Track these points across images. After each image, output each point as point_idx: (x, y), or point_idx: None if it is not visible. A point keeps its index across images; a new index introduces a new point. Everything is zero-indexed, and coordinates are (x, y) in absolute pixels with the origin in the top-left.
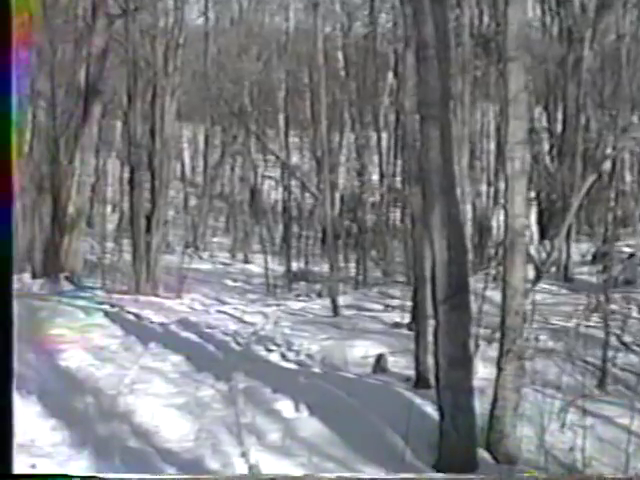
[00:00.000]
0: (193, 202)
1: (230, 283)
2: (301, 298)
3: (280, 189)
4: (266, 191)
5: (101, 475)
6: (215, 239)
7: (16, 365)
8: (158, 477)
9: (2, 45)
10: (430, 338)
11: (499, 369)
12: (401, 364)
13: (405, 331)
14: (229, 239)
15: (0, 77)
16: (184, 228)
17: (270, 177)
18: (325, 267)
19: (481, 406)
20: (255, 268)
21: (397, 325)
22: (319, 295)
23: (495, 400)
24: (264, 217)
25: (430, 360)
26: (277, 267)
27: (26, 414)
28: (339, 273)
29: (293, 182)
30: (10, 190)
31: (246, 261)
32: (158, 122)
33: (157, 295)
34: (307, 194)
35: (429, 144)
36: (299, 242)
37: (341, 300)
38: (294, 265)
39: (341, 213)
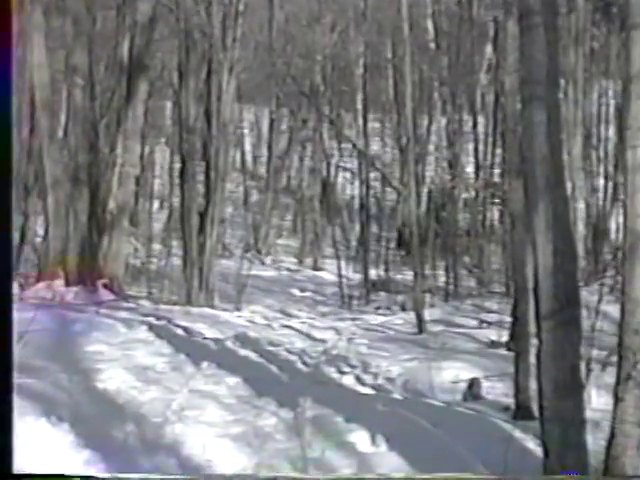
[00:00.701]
0: (255, 197)
1: (297, 293)
2: (381, 311)
3: (357, 183)
4: (340, 185)
5: (101, 475)
6: (280, 241)
7: (15, 372)
8: (158, 477)
9: (2, 45)
10: (533, 360)
11: (617, 399)
12: (498, 390)
13: (503, 351)
14: (296, 241)
15: (0, 77)
16: (244, 228)
17: (345, 169)
18: (409, 275)
19: (594, 443)
20: (327, 276)
21: (494, 344)
22: (402, 308)
23: (612, 436)
24: (338, 216)
25: (533, 386)
26: (353, 275)
27: (57, 445)
28: (425, 282)
29: (372, 175)
30: (8, 190)
31: (316, 267)
32: (214, 103)
33: (212, 306)
34: (389, 189)
35: (533, 130)
36: (379, 245)
37: (427, 314)
38: (373, 272)
39: (428, 211)
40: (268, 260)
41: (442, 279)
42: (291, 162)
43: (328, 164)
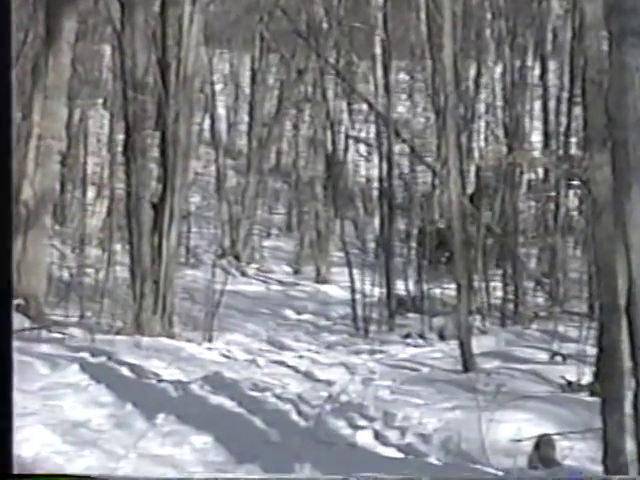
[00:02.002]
0: (232, 182)
1: (292, 316)
2: (411, 341)
3: (375, 159)
4: (352, 163)
5: (100, 475)
6: (268, 243)
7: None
8: (158, 478)
9: (2, 45)
10: (628, 410)
11: None
12: (579, 452)
13: (585, 397)
14: (291, 243)
15: None
16: (216, 225)
17: (359, 139)
18: (450, 289)
19: None
20: (334, 290)
21: (572, 387)
22: (441, 336)
23: None
24: (349, 206)
25: (630, 446)
26: (371, 289)
27: None
28: (474, 299)
29: (397, 147)
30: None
31: (319, 279)
32: (172, 48)
33: (171, 335)
34: (420, 167)
35: (626, 79)
36: (407, 247)
37: (477, 344)
38: (399, 286)
39: (477, 198)
40: (251, 270)
41: (498, 294)
42: (282, 131)
43: (334, 133)
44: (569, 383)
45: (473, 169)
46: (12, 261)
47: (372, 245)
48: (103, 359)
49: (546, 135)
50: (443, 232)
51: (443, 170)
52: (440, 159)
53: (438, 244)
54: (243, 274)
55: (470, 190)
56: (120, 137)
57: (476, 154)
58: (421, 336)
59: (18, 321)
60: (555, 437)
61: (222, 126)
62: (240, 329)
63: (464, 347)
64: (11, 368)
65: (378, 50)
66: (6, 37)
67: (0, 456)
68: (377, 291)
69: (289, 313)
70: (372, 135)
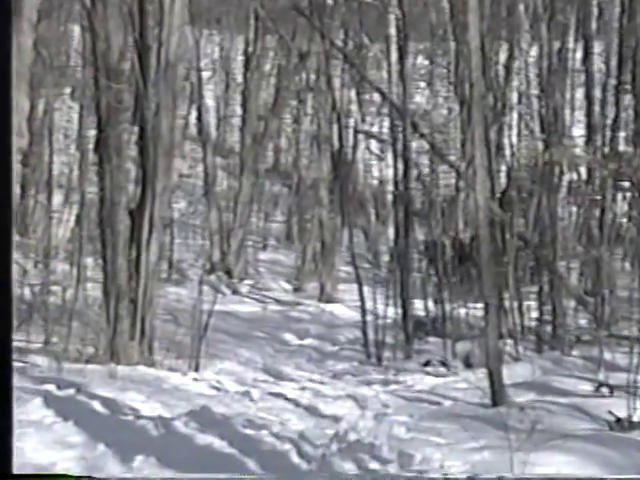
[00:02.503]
0: (223, 184)
1: (293, 340)
2: (431, 369)
3: (390, 158)
4: (363, 162)
5: (100, 475)
6: (264, 255)
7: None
8: (158, 478)
9: (2, 45)
10: None
11: None
12: None
13: (638, 436)
14: (291, 255)
15: None
16: (205, 235)
17: (370, 135)
18: (477, 309)
19: None
20: (342, 310)
21: (621, 424)
22: (466, 363)
23: None
24: (359, 213)
25: None
26: (385, 309)
27: None
28: (505, 321)
29: (415, 144)
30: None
31: (324, 297)
32: (152, 28)
33: (151, 364)
34: (442, 167)
35: None
36: (426, 260)
37: (508, 373)
38: (417, 305)
39: (509, 202)
40: (245, 287)
41: (533, 315)
42: (281, 125)
43: (341, 128)
44: (618, 420)
45: (504, 169)
46: (12, 260)
47: (385, 258)
48: (71, 392)
49: (590, 129)
50: (468, 244)
51: (468, 170)
52: (465, 157)
53: (462, 256)
54: (235, 292)
55: (500, 193)
56: (91, 133)
57: (507, 151)
58: (443, 364)
59: None
60: None
61: (211, 119)
62: (232, 356)
63: (493, 377)
64: (11, 369)
65: (392, 30)
66: (6, 37)
67: (0, 456)
68: (391, 312)
69: (289, 337)
70: (385, 130)
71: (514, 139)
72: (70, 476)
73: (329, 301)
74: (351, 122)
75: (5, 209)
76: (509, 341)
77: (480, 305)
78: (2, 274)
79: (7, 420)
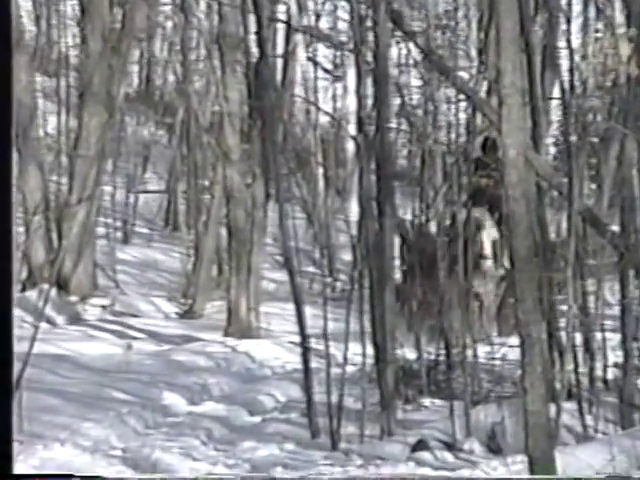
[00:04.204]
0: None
1: (180, 406)
2: (427, 456)
3: (351, 76)
4: (303, 84)
5: (102, 475)
6: (127, 252)
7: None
8: (158, 477)
9: (2, 45)
10: None
11: None
12: None
13: None
14: (174, 252)
15: None
16: (20, 219)
17: (317, 35)
18: (510, 346)
19: None
20: (267, 350)
21: None
22: (492, 446)
23: None
24: (297, 174)
25: None
26: (345, 347)
27: None
28: (559, 367)
29: (397, 51)
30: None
31: (234, 327)
32: None
33: None
34: (445, 92)
35: None
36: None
37: (567, 464)
38: (402, 340)
39: (562, 154)
40: (92, 310)
41: (612, 357)
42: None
43: (262, 20)
44: None
45: (556, 94)
46: (12, 262)
47: (345, 257)
48: None
49: None
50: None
51: (490, 98)
52: (484, 74)
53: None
54: (75, 319)
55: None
56: None
57: (563, 63)
58: (448, 446)
59: None
60: None
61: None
62: (67, 436)
63: (539, 471)
64: (11, 370)
65: None
66: (6, 37)
67: (0, 456)
68: (356, 352)
69: (172, 400)
70: (342, 26)
71: (575, 39)
72: (71, 476)
73: (244, 335)
74: (280, 11)
75: (5, 209)
76: (568, 405)
77: (514, 340)
78: (3, 275)
79: (7, 420)
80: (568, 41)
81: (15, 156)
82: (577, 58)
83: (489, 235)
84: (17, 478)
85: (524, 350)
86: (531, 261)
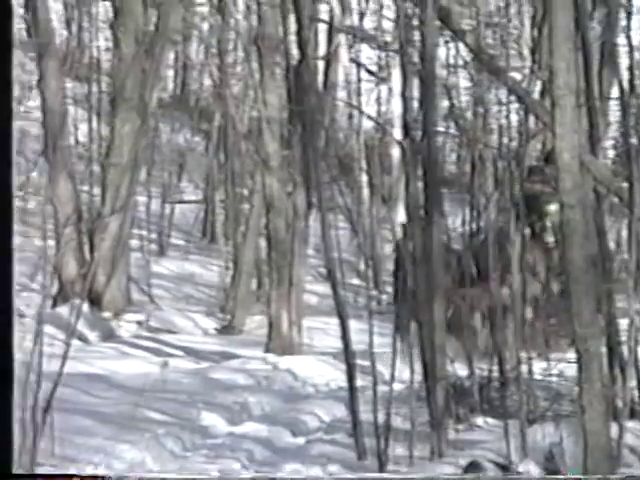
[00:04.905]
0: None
1: (219, 427)
2: (481, 477)
3: (397, 78)
4: (346, 88)
5: (103, 474)
6: (162, 265)
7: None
8: (159, 477)
9: (2, 45)
10: None
11: None
12: None
13: None
14: (212, 266)
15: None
16: (48, 232)
17: (361, 36)
18: (568, 361)
19: None
20: (310, 367)
21: None
22: (550, 468)
23: None
24: (340, 182)
25: None
26: (392, 365)
27: None
28: (622, 383)
29: (445, 51)
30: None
31: (276, 343)
32: None
33: None
34: (498, 92)
35: None
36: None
37: None
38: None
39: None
40: (126, 326)
41: None
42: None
43: (303, 21)
44: None
45: (615, 94)
46: (13, 263)
47: (391, 267)
48: None
49: None
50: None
51: (544, 99)
52: (538, 73)
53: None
54: (109, 336)
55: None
56: None
57: (623, 61)
58: (503, 468)
59: None
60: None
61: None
62: (102, 458)
63: None
64: (12, 370)
65: None
66: (6, 37)
67: (0, 456)
68: (405, 370)
69: (212, 420)
70: (388, 26)
71: (635, 35)
72: (71, 476)
73: (286, 351)
74: (322, 10)
75: (5, 210)
76: (631, 424)
77: (571, 355)
78: (3, 277)
79: (7, 420)
80: (628, 37)
81: (45, 166)
82: (637, 56)
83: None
84: (17, 478)
85: (581, 366)
86: (588, 272)
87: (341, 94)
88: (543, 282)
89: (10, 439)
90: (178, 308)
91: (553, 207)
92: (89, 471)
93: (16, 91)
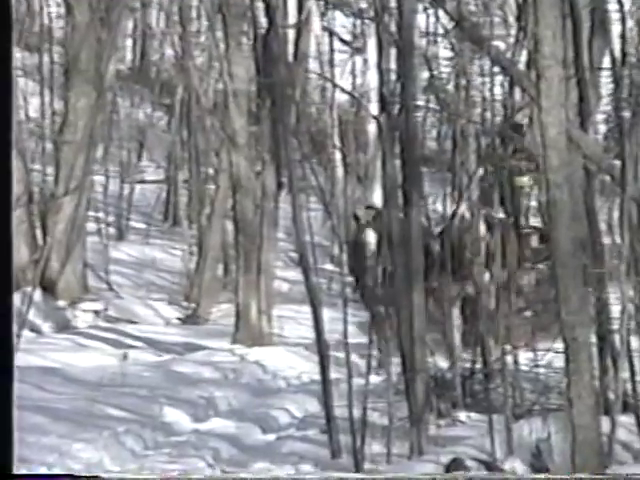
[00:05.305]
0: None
1: (183, 424)
2: (462, 477)
3: (371, 48)
4: (318, 58)
5: (103, 475)
6: (121, 249)
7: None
8: (159, 477)
9: (2, 44)
10: None
11: None
12: None
13: None
14: (174, 250)
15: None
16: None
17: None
18: (555, 352)
19: None
20: (281, 359)
21: None
22: (536, 465)
23: None
24: (312, 159)
25: None
26: (368, 355)
27: None
28: (613, 374)
29: (424, 18)
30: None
31: (244, 333)
32: None
33: None
34: (481, 62)
35: None
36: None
37: None
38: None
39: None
40: (84, 316)
41: None
42: None
43: None
44: None
45: (606, 64)
46: (12, 263)
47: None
48: None
49: None
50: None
51: (530, 71)
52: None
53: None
54: (64, 327)
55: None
56: None
57: (614, 28)
58: (487, 466)
59: None
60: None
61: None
62: (57, 459)
63: None
64: (12, 370)
65: None
66: (6, 37)
67: (0, 456)
68: (380, 362)
69: (175, 417)
70: None
71: (628, 1)
72: (72, 476)
73: (254, 342)
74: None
75: (5, 210)
76: (624, 418)
77: (558, 345)
78: (3, 276)
79: (7, 420)
80: (620, 3)
81: None
82: (630, 23)
83: None
84: (17, 478)
85: (569, 356)
86: (575, 255)
87: (313, 65)
88: (529, 268)
89: (10, 439)
90: (138, 296)
91: (525, 178)
92: (42, 471)
93: None
